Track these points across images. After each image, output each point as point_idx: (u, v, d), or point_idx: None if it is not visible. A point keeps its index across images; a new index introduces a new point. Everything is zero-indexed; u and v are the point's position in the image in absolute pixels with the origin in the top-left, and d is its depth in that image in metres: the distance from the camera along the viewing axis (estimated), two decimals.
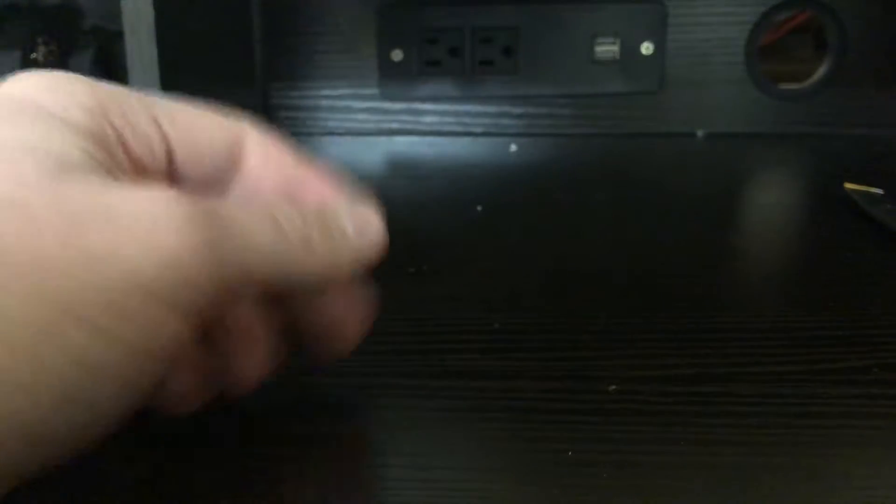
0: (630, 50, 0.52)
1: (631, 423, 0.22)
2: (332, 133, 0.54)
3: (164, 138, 0.20)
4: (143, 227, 0.16)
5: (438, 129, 0.54)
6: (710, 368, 0.25)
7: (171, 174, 0.20)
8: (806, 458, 0.21)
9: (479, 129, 0.54)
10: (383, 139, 0.53)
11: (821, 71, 0.53)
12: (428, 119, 0.53)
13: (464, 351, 0.26)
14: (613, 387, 0.24)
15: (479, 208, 0.40)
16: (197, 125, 0.21)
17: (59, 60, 0.56)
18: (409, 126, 0.54)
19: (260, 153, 0.21)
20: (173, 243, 0.16)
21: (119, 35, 0.35)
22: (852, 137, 0.52)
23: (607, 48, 0.52)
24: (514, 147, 0.51)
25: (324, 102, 0.53)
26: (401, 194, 0.43)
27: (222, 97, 0.47)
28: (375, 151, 0.51)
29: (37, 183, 0.16)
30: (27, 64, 0.54)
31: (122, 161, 0.19)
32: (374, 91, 0.53)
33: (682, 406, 0.23)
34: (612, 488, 0.20)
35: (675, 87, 0.53)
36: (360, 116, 0.54)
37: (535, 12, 0.51)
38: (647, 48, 0.52)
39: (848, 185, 0.40)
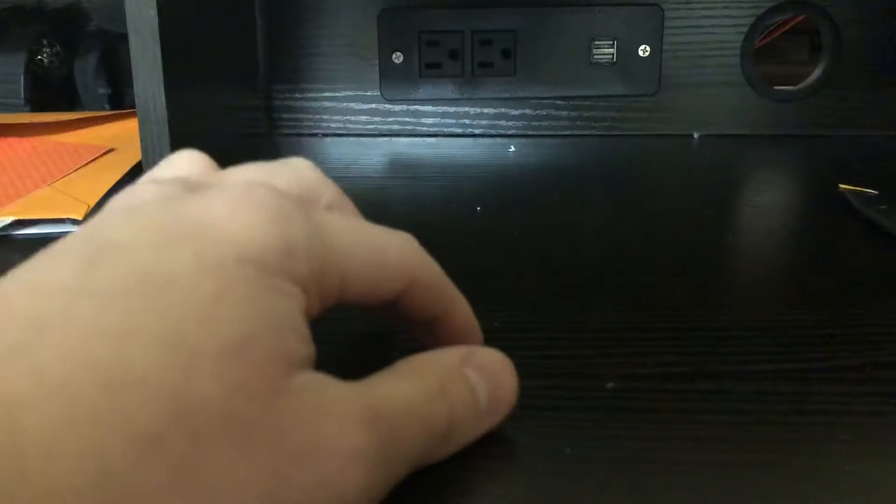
0: (627, 52, 0.52)
1: (628, 420, 0.22)
2: (333, 134, 0.54)
3: (339, 295, 0.19)
4: (335, 490, 0.16)
5: (438, 131, 0.54)
6: (706, 366, 0.25)
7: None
8: (800, 455, 0.21)
9: (478, 131, 0.54)
10: (384, 140, 0.53)
11: (816, 73, 0.53)
12: (428, 120, 0.54)
13: None
14: (611, 384, 0.24)
15: (478, 209, 0.40)
16: (376, 278, 0.20)
17: (64, 62, 0.56)
18: (409, 127, 0.54)
19: (423, 296, 0.21)
20: (357, 486, 0.17)
21: (123, 37, 0.35)
22: (847, 139, 0.53)
23: (605, 51, 0.52)
24: (512, 148, 0.52)
25: (326, 104, 0.54)
26: (401, 194, 0.43)
27: (226, 99, 0.48)
28: (376, 152, 0.51)
29: (265, 401, 0.16)
30: (33, 65, 0.54)
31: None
32: (376, 93, 0.53)
33: (678, 403, 0.23)
34: (610, 484, 0.20)
35: (672, 90, 0.53)
36: (362, 118, 0.54)
37: (534, 15, 0.52)
38: (644, 51, 0.52)
39: (843, 186, 0.41)
